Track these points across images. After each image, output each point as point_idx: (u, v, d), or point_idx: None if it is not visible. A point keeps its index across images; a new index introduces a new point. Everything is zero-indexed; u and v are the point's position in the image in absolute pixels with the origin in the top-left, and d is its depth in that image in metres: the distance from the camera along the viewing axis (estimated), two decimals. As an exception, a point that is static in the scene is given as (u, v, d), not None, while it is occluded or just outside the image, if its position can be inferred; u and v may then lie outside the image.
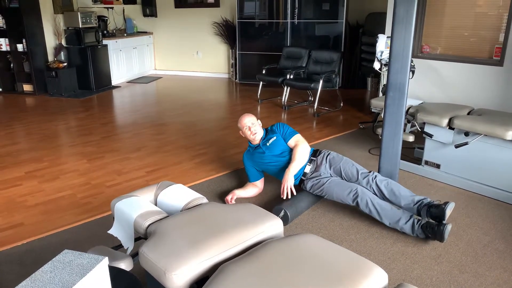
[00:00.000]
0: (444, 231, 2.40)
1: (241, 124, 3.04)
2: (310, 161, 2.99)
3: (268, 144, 3.01)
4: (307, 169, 2.97)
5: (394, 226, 2.60)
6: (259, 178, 3.17)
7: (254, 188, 3.16)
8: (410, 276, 2.25)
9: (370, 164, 3.78)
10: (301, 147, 2.95)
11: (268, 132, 3.09)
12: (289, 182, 2.82)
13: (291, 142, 3.01)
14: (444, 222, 2.46)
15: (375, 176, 2.77)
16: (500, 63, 4.25)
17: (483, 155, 3.15)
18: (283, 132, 3.04)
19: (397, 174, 2.99)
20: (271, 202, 3.02)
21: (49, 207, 3.05)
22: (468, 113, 3.41)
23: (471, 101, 4.38)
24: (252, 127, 3.02)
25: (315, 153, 3.05)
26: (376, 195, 2.73)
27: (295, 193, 2.84)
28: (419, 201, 2.59)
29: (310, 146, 4.23)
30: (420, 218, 2.58)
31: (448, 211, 2.45)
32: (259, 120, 3.11)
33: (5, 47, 6.73)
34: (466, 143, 3.16)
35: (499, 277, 2.24)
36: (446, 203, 2.49)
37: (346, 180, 2.87)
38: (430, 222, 2.50)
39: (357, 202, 2.68)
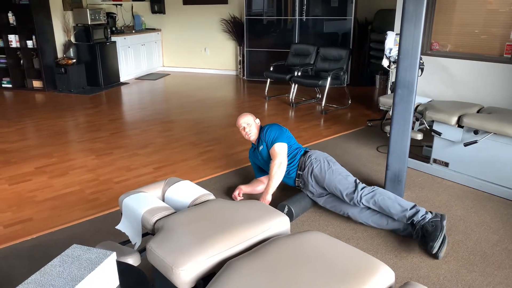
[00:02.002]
0: (437, 257, 2.36)
1: (237, 124, 3.04)
2: (298, 175, 2.94)
3: (259, 151, 3.03)
4: (298, 183, 2.97)
5: (396, 233, 2.62)
6: (264, 174, 3.17)
7: (260, 184, 3.16)
8: (418, 274, 2.24)
9: (378, 162, 3.76)
10: (275, 163, 2.85)
11: (260, 136, 3.02)
12: (265, 202, 2.86)
13: (270, 153, 2.93)
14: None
15: (360, 198, 2.60)
16: (511, 60, 4.21)
17: (493, 153, 3.12)
18: (266, 140, 2.94)
19: (405, 173, 2.97)
20: (277, 199, 3.02)
21: (57, 203, 3.08)
22: (478, 111, 3.38)
23: (480, 99, 4.34)
24: (247, 127, 2.99)
25: (301, 164, 2.91)
26: None
27: None
28: (410, 217, 2.47)
29: (316, 144, 4.22)
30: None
31: (441, 254, 2.34)
32: (257, 120, 3.08)
33: (15, 44, 6.79)
34: (475, 142, 3.13)
35: (508, 277, 2.22)
36: (434, 242, 2.31)
37: None
38: (426, 240, 2.41)
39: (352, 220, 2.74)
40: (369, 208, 2.65)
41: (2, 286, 2.16)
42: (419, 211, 2.48)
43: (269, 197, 2.88)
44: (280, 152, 2.88)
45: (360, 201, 2.61)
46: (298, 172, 2.93)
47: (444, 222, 2.42)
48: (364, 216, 2.66)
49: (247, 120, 3.02)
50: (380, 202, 2.56)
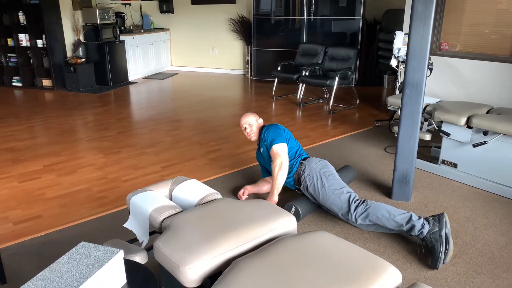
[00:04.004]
0: (444, 262, 2.30)
1: (240, 124, 3.02)
2: (296, 188, 2.94)
3: (260, 152, 3.02)
4: (299, 192, 2.96)
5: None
6: (271, 174, 3.16)
7: (266, 184, 3.16)
8: (425, 276, 2.23)
9: (386, 162, 3.75)
10: (276, 167, 2.81)
11: (260, 137, 2.99)
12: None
13: (270, 154, 2.89)
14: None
15: (355, 220, 2.57)
16: (521, 61, 4.16)
17: (502, 154, 3.09)
18: (266, 141, 2.90)
19: (413, 173, 2.96)
20: (284, 199, 3.02)
21: (66, 200, 3.11)
22: (487, 112, 3.35)
23: (490, 99, 4.30)
24: (248, 128, 2.96)
25: (297, 178, 2.88)
26: None
27: None
28: (408, 231, 2.42)
29: (324, 144, 4.20)
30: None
31: (440, 264, 2.26)
32: (260, 119, 3.04)
33: (25, 43, 6.86)
34: (484, 143, 3.11)
35: (517, 279, 2.20)
36: (436, 259, 2.25)
37: None
38: (429, 256, 2.36)
39: None
40: None
41: (12, 282, 2.19)
42: (414, 226, 2.38)
43: (275, 198, 2.88)
44: (279, 152, 2.82)
45: (356, 222, 2.59)
46: (296, 186, 2.94)
47: (443, 232, 2.31)
48: (365, 227, 2.66)
49: (249, 121, 2.98)
50: (375, 221, 2.52)
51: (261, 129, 3.00)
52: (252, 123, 2.98)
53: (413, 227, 2.39)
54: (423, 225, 2.38)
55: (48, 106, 5.93)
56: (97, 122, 5.10)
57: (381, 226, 2.58)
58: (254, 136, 2.99)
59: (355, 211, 2.57)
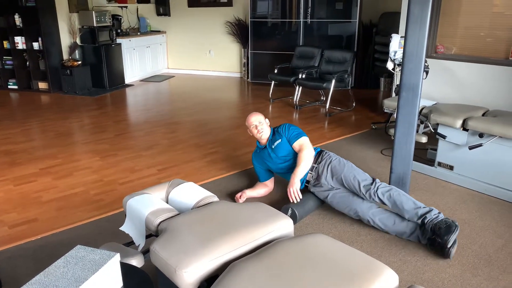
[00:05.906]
0: (449, 254, 2.35)
1: (248, 123, 3.04)
2: (312, 168, 2.94)
3: (273, 147, 3.01)
4: (309, 177, 2.95)
5: (400, 237, 2.60)
6: (269, 177, 3.17)
7: (264, 188, 3.16)
8: (422, 278, 2.23)
9: (382, 165, 3.75)
10: (305, 152, 2.89)
11: (274, 133, 3.04)
12: (295, 186, 2.81)
13: (295, 146, 2.95)
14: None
15: (377, 189, 2.64)
16: (516, 63, 4.18)
17: (498, 157, 3.10)
18: (288, 134, 2.97)
19: (409, 176, 2.96)
20: (281, 202, 3.02)
21: (62, 203, 3.09)
22: (483, 115, 3.37)
23: (486, 102, 4.31)
24: (259, 125, 3.00)
25: (317, 158, 2.96)
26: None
27: (301, 197, 2.80)
28: (422, 215, 2.48)
29: (320, 146, 4.21)
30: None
31: (453, 250, 2.35)
32: (267, 119, 3.09)
33: (21, 46, 6.84)
34: (480, 145, 3.12)
35: (513, 281, 2.20)
36: (449, 235, 2.33)
37: (348, 189, 2.81)
38: (436, 240, 2.40)
39: (359, 219, 2.74)
40: (380, 205, 2.67)
41: (7, 285, 2.17)
42: (432, 209, 2.50)
43: (297, 182, 2.81)
44: (309, 144, 2.96)
45: (376, 192, 2.64)
46: (313, 165, 2.94)
47: (456, 223, 2.41)
48: (372, 213, 2.65)
49: (259, 118, 3.03)
50: (395, 197, 2.59)
51: (278, 126, 3.08)
52: (262, 121, 3.03)
53: (430, 210, 2.49)
54: (439, 213, 2.49)
55: (44, 108, 5.91)
56: (93, 125, 5.08)
57: (390, 216, 2.61)
58: (265, 134, 3.02)
59: (380, 183, 2.68)
